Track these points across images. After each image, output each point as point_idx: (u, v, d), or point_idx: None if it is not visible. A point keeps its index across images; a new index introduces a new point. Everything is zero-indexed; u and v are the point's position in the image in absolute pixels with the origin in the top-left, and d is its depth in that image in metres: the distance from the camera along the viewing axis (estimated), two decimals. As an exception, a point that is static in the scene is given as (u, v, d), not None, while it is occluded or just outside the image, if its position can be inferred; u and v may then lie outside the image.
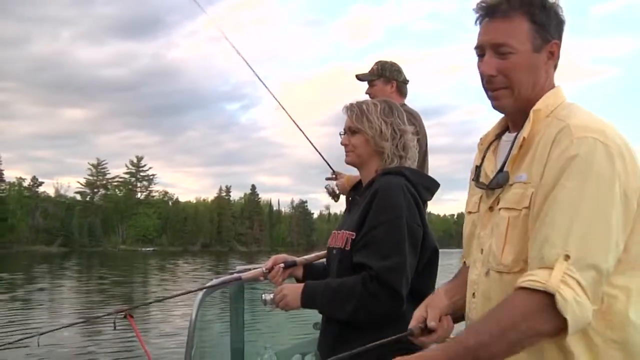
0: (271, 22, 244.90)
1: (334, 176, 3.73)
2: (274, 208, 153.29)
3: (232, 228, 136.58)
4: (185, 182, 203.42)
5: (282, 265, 2.67)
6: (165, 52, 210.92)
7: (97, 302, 17.87)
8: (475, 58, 1.66)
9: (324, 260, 2.74)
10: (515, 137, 1.60)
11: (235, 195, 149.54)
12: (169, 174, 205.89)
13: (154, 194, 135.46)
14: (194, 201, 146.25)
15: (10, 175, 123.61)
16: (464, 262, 1.84)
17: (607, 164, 1.42)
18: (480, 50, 1.61)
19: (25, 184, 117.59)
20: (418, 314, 1.73)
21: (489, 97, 1.63)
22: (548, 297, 1.33)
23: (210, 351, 3.58)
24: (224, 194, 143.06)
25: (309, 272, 2.74)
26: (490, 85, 1.61)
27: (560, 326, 1.34)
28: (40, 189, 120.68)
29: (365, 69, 3.94)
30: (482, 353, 1.38)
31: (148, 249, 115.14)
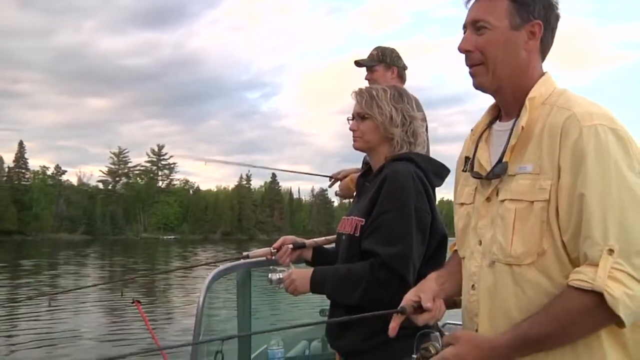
0: (291, 11, 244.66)
1: (332, 181, 3.79)
2: (295, 196, 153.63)
3: (253, 216, 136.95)
4: (206, 171, 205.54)
5: (290, 245, 2.69)
6: (187, 41, 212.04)
7: (111, 287, 18.21)
8: None
9: (334, 244, 2.73)
10: (513, 126, 1.59)
11: (256, 183, 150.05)
12: (190, 163, 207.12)
13: (175, 182, 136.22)
14: (215, 189, 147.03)
15: (34, 164, 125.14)
16: (455, 251, 1.84)
17: (621, 148, 1.43)
18: (464, 29, 1.64)
19: (49, 172, 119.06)
20: (408, 297, 1.74)
21: (470, 75, 1.65)
22: (599, 296, 1.35)
23: (217, 335, 3.57)
24: (245, 182, 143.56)
25: (319, 255, 2.76)
26: (467, 61, 1.63)
27: (618, 319, 1.36)
28: (63, 178, 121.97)
29: None
30: (542, 344, 1.44)
31: (169, 237, 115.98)
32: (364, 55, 3.87)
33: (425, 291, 1.73)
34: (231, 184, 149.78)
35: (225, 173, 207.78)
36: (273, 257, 2.75)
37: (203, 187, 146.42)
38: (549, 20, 1.60)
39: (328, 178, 3.85)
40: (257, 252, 2.90)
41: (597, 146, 1.42)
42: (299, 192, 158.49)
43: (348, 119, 2.53)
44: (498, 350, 1.47)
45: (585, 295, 1.37)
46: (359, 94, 2.49)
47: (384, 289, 2.23)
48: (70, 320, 13.60)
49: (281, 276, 2.51)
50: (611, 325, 1.40)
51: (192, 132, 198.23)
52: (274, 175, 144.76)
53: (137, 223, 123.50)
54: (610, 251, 1.36)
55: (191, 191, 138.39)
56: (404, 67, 3.87)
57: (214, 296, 3.25)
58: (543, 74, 1.63)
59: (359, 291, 2.27)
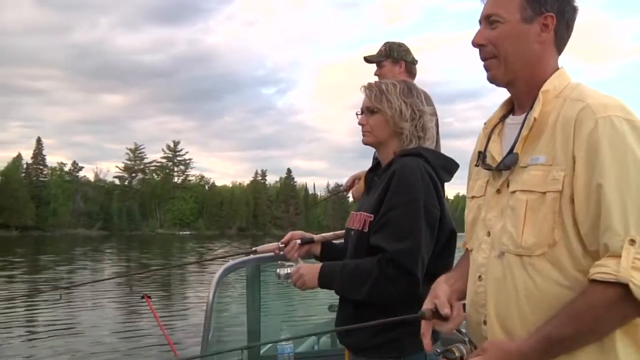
0: (306, 6, 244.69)
1: (346, 191, 3.83)
2: (310, 192, 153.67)
3: (268, 212, 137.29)
4: (221, 167, 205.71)
5: (298, 240, 2.68)
6: (202, 37, 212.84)
7: (124, 281, 18.37)
8: None
9: (342, 239, 2.71)
10: (525, 119, 1.58)
11: (271, 179, 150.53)
12: (206, 159, 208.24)
13: (190, 178, 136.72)
14: (230, 185, 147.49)
15: (52, 160, 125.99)
16: (467, 249, 1.81)
17: (637, 138, 1.42)
18: (480, 24, 1.66)
19: (66, 168, 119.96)
20: (425, 307, 1.70)
21: (484, 69, 1.66)
22: (623, 287, 1.33)
23: (227, 332, 3.59)
24: (260, 178, 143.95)
25: (328, 250, 2.75)
26: (481, 55, 1.65)
27: None
28: (80, 174, 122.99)
29: None
30: (568, 344, 1.41)
31: (185, 232, 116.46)
32: (379, 48, 3.87)
33: (439, 296, 1.70)
34: (246, 179, 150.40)
35: (240, 169, 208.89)
36: (281, 252, 2.73)
37: (218, 183, 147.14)
38: (564, 12, 1.59)
39: (343, 193, 3.94)
40: (266, 247, 2.89)
41: (613, 137, 1.41)
42: (314, 187, 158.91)
43: (357, 114, 2.51)
44: (526, 356, 1.44)
45: (610, 288, 1.34)
46: (368, 88, 2.47)
47: (393, 285, 2.21)
48: (80, 313, 13.77)
49: (289, 271, 2.49)
50: (636, 317, 1.38)
51: (207, 128, 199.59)
52: (289, 171, 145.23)
53: (153, 219, 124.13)
54: (632, 241, 1.35)
55: (207, 187, 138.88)
56: (413, 62, 3.85)
57: (223, 291, 3.26)
58: (558, 68, 1.62)
59: (367, 287, 2.25)
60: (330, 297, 2.75)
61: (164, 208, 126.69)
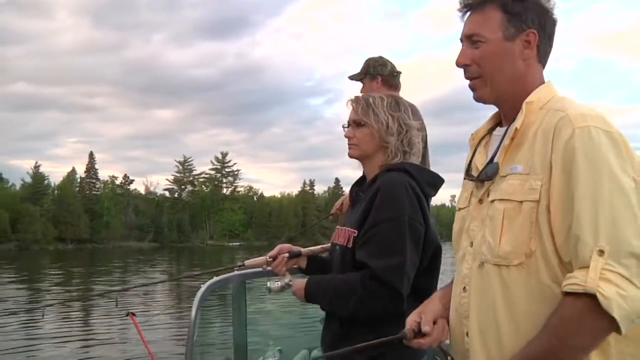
0: (352, 17, 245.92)
1: (333, 214, 3.94)
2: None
3: (317, 222, 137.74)
4: (270, 178, 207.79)
5: (286, 255, 2.67)
6: (251, 50, 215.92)
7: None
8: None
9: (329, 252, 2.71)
10: (507, 130, 1.61)
11: (320, 189, 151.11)
12: (254, 170, 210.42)
13: (239, 189, 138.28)
14: (279, 196, 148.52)
15: (104, 174, 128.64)
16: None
17: (613, 149, 1.42)
18: (461, 43, 1.67)
19: (118, 182, 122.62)
20: (411, 319, 1.73)
21: (470, 89, 1.67)
22: (592, 298, 1.32)
23: (212, 348, 3.53)
24: (308, 188, 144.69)
25: (313, 263, 2.74)
26: (466, 74, 1.66)
27: (615, 324, 1.32)
28: (131, 187, 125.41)
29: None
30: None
31: (235, 243, 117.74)
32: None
33: (426, 313, 1.72)
34: (295, 190, 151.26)
35: (289, 179, 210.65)
36: (268, 268, 2.72)
37: (267, 194, 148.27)
38: (544, 26, 1.61)
39: (331, 217, 4.01)
40: (254, 262, 2.90)
41: (590, 147, 1.41)
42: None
43: (343, 127, 2.49)
44: None
45: (579, 299, 1.33)
46: (355, 101, 2.47)
47: (376, 301, 2.20)
48: (65, 329, 13.85)
49: (279, 284, 2.51)
50: (610, 332, 1.35)
51: (256, 140, 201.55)
52: (337, 181, 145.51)
53: (203, 230, 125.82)
54: (601, 252, 1.34)
55: (255, 198, 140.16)
56: (392, 74, 3.80)
57: (208, 307, 3.21)
58: (543, 82, 1.63)
59: (350, 303, 2.25)
60: (319, 310, 2.68)
61: (214, 219, 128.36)
